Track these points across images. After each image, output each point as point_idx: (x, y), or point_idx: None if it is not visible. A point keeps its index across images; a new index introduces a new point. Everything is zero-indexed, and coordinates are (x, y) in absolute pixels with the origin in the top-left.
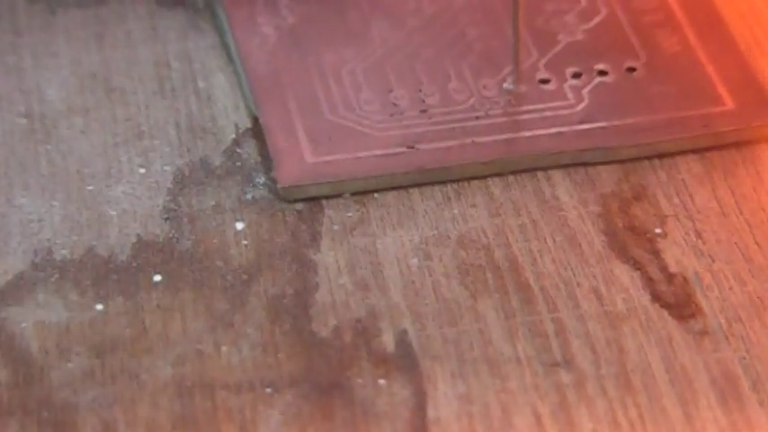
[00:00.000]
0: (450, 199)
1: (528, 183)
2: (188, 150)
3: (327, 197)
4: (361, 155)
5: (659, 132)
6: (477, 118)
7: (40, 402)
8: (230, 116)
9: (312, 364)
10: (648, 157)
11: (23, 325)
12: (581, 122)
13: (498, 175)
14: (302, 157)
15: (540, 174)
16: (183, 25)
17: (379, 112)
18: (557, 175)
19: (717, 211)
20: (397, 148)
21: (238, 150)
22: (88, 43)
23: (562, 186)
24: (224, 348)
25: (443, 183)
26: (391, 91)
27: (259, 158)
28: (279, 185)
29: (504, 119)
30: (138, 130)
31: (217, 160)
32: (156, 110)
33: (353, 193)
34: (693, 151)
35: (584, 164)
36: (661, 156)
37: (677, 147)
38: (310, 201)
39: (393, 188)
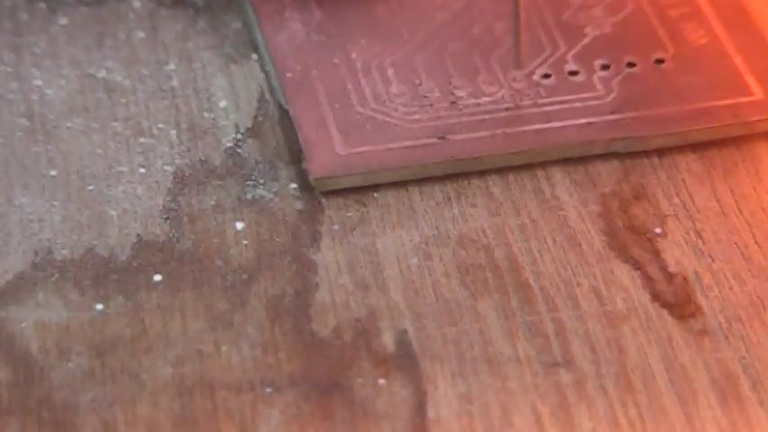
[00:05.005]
0: (450, 199)
1: (528, 182)
2: (188, 150)
3: (357, 189)
4: (392, 146)
5: (689, 122)
6: (507, 109)
7: (40, 402)
8: (230, 116)
9: (312, 364)
10: (649, 156)
11: (23, 325)
12: (611, 113)
13: (529, 165)
14: (333, 149)
15: (539, 173)
16: (183, 25)
17: (409, 104)
18: (557, 174)
19: (717, 210)
20: (428, 139)
21: (238, 150)
22: (88, 43)
23: (562, 186)
24: (224, 348)
25: (445, 182)
26: (420, 84)
27: (259, 158)
28: (311, 177)
29: (533, 110)
30: (138, 130)
31: (217, 160)
32: (156, 110)
33: (386, 186)
34: (693, 150)
35: (585, 160)
36: (661, 154)
37: (707, 136)
38: (311, 201)
39: (426, 179)
